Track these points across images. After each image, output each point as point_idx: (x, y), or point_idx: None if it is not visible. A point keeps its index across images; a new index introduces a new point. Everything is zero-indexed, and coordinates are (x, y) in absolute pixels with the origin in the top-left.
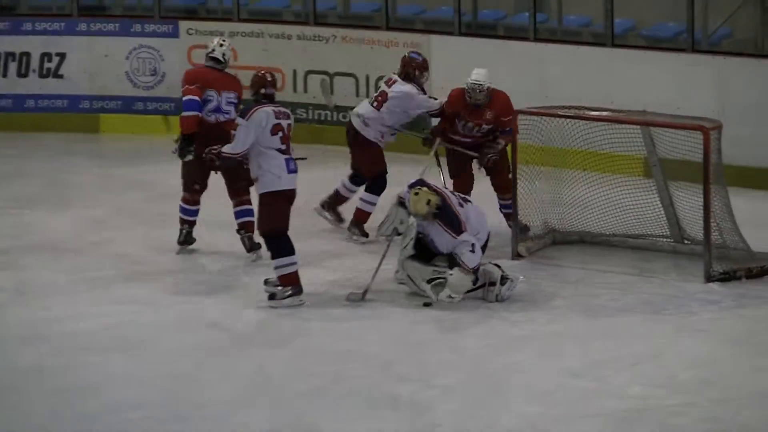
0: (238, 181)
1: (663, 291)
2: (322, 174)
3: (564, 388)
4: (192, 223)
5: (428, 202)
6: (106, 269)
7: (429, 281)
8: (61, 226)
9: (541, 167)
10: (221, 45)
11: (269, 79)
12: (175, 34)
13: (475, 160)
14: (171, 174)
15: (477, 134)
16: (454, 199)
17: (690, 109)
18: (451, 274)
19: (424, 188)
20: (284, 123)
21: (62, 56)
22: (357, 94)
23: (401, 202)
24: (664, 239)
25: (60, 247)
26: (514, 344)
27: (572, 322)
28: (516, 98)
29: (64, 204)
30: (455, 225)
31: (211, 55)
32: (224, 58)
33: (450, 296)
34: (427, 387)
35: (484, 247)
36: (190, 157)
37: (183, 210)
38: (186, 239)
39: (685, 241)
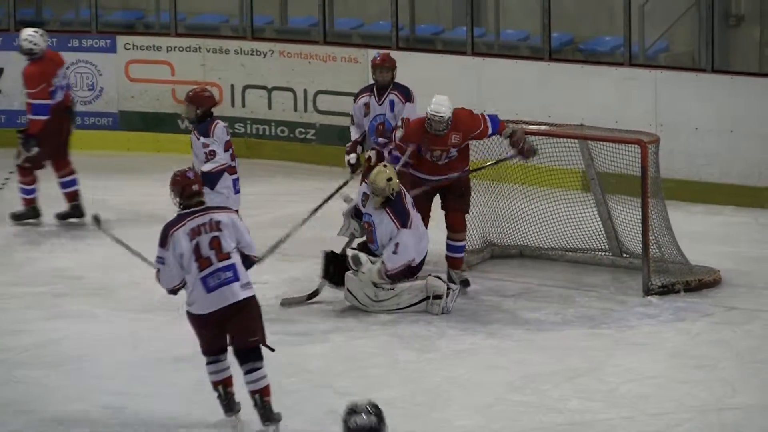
0: (60, 153)
1: (601, 304)
2: (262, 189)
3: (503, 401)
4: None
5: (389, 180)
6: (45, 284)
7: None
8: None
9: (479, 182)
10: (43, 40)
11: (215, 96)
12: (112, 49)
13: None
14: (109, 189)
15: (446, 161)
16: (408, 199)
17: (628, 123)
18: (372, 264)
19: (390, 167)
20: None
21: None
22: (295, 109)
23: (356, 213)
24: (603, 253)
25: None
26: (454, 358)
27: (511, 336)
28: None
29: (2, 218)
30: (403, 216)
31: (35, 51)
32: (44, 46)
33: (444, 309)
34: None
35: (421, 264)
36: (35, 149)
37: (28, 191)
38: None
39: (624, 255)
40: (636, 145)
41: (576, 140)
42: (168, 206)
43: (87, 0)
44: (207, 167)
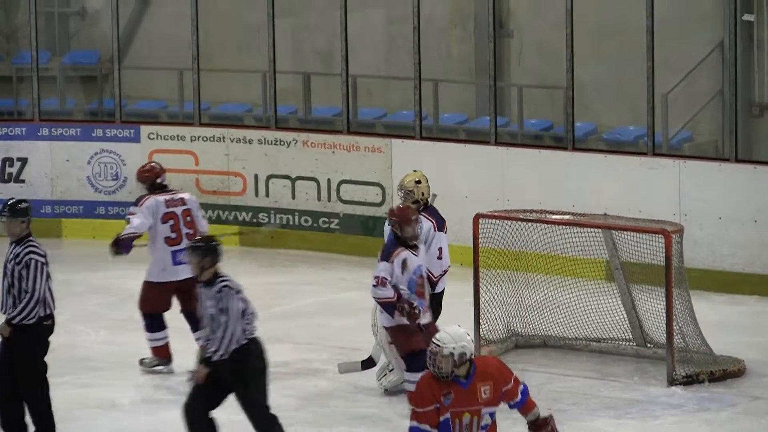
0: None
1: (626, 395)
2: (285, 278)
3: None
4: None
5: (418, 182)
6: (68, 374)
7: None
8: None
9: (503, 271)
10: None
11: (159, 169)
12: (136, 139)
13: None
14: (133, 279)
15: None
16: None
17: (651, 213)
18: None
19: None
20: (178, 210)
21: (24, 161)
22: (319, 198)
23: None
24: (627, 343)
25: None
26: None
27: None
28: (477, 202)
29: None
30: (440, 220)
31: None
32: None
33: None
34: None
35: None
36: None
37: None
38: None
39: (648, 345)
40: (660, 235)
41: (600, 230)
42: None
43: (111, 90)
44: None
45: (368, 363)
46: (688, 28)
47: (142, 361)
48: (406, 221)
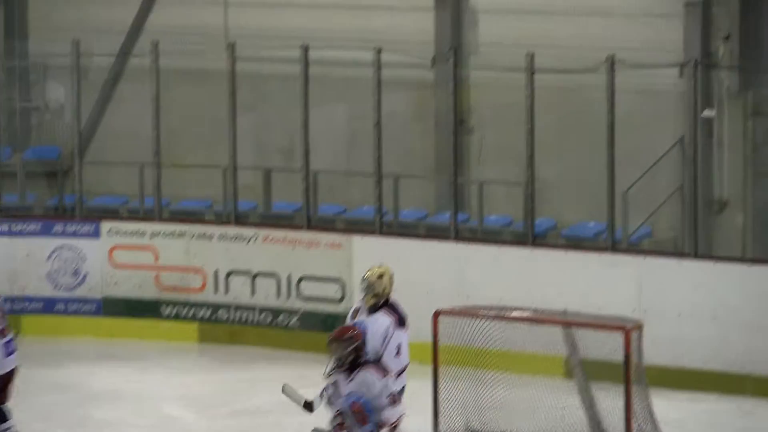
0: None
1: None
2: (244, 375)
3: None
4: None
5: (381, 276)
6: None
7: None
8: None
9: (462, 368)
10: None
11: None
12: (96, 235)
13: None
14: (92, 376)
15: None
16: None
17: (611, 309)
18: None
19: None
20: None
21: None
22: (278, 295)
23: None
24: None
25: None
26: None
27: None
28: (436, 298)
29: None
30: (402, 316)
31: None
32: None
33: None
34: None
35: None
36: None
37: None
38: None
39: None
40: (619, 332)
41: (559, 327)
42: (151, 391)
43: (71, 185)
44: None
45: (308, 406)
46: (649, 124)
47: None
48: (331, 340)
